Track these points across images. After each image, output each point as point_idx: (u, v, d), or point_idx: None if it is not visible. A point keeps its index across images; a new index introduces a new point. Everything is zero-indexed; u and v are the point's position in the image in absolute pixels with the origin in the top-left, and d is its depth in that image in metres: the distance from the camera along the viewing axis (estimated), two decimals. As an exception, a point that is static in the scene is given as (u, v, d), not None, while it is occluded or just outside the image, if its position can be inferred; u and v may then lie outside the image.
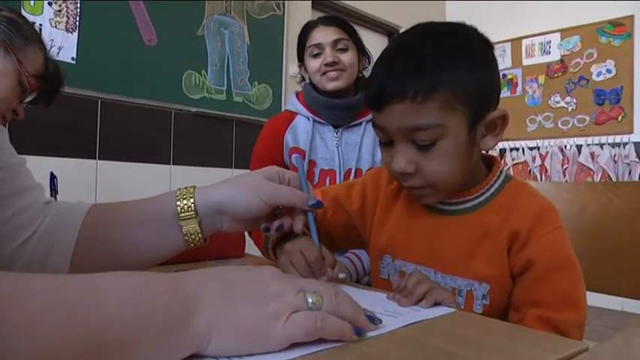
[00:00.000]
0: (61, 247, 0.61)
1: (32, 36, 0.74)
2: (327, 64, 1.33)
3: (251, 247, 0.95)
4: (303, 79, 1.48)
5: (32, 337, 0.28)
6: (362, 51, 1.41)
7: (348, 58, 1.34)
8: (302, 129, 1.37)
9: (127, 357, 0.32)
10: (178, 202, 0.59)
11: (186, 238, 0.60)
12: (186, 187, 0.61)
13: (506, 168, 3.74)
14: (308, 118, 1.37)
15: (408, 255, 0.72)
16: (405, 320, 0.48)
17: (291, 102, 1.44)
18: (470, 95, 0.62)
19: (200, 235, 0.60)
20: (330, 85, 1.34)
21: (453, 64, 0.61)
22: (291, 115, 1.39)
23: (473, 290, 0.66)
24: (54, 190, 1.59)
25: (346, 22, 1.40)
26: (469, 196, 0.70)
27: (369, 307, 0.52)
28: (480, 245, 0.67)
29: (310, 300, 0.39)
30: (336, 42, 1.34)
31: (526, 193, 0.70)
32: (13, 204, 0.60)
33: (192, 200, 0.59)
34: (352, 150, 1.35)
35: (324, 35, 1.34)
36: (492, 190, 0.70)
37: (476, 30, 0.68)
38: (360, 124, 1.37)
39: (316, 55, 1.35)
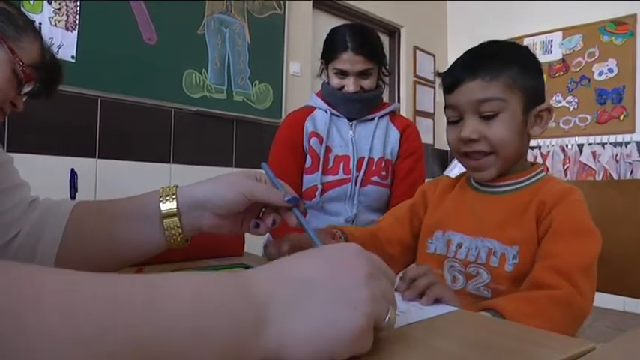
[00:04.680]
0: (46, 244, 0.61)
1: (26, 25, 0.72)
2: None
3: (250, 247, 0.94)
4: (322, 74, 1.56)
5: (74, 343, 0.24)
6: (384, 66, 1.50)
7: (368, 83, 1.44)
8: (320, 119, 1.49)
9: None
10: (161, 204, 0.61)
11: (166, 233, 0.61)
12: (168, 187, 0.63)
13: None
14: (326, 111, 1.49)
15: (456, 226, 0.87)
16: (408, 319, 0.47)
17: (310, 99, 1.56)
18: (525, 86, 0.81)
19: (181, 235, 0.62)
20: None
21: (515, 61, 0.81)
22: (311, 109, 1.52)
23: (505, 252, 0.79)
24: (73, 187, 1.59)
25: (374, 48, 1.43)
26: (510, 181, 0.86)
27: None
28: (513, 216, 0.81)
29: (388, 317, 0.36)
30: (361, 72, 1.42)
31: (555, 181, 0.86)
32: (0, 202, 0.60)
33: (174, 202, 0.61)
34: (365, 141, 1.46)
35: (351, 64, 1.40)
36: (530, 180, 0.86)
37: (527, 47, 0.91)
38: (373, 119, 1.49)
39: (340, 76, 1.44)
